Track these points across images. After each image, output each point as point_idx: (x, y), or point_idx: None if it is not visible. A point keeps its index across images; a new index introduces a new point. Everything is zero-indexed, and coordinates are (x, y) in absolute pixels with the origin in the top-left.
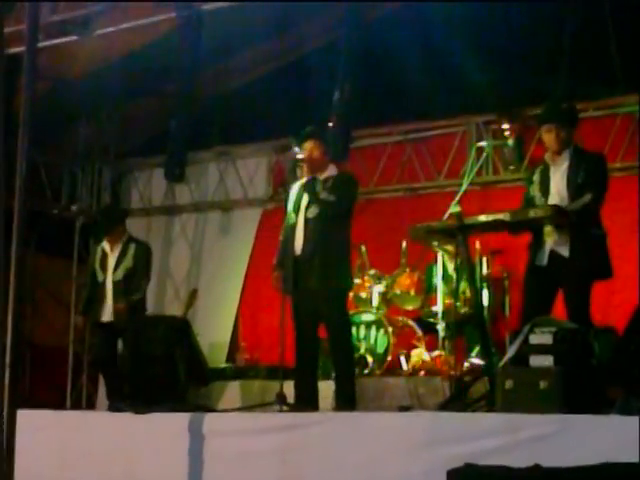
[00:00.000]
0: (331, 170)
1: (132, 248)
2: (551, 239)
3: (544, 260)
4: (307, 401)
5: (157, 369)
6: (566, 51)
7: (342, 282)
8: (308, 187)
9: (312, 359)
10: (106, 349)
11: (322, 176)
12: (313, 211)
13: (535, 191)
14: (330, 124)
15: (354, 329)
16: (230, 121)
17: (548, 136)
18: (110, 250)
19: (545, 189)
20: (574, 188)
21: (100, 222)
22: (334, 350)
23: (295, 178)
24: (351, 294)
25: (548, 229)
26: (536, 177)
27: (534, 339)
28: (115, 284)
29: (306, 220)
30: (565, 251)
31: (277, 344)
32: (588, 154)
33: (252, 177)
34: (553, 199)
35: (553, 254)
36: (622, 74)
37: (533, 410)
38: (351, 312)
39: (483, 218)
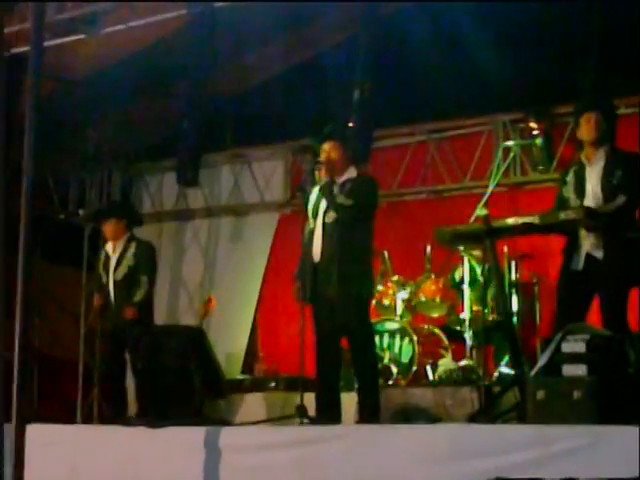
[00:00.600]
0: (350, 172)
1: (133, 247)
2: (588, 242)
3: (580, 264)
4: (329, 414)
5: (172, 381)
6: (595, 46)
7: (363, 290)
8: (325, 191)
9: (334, 370)
10: (112, 362)
11: (341, 179)
12: (331, 216)
13: (570, 192)
14: (350, 124)
15: (377, 338)
16: (245, 122)
17: (587, 126)
18: (112, 250)
19: (580, 190)
20: (609, 189)
21: (100, 212)
22: (356, 361)
23: (314, 181)
24: (374, 302)
25: (584, 232)
26: (570, 177)
27: (567, 347)
28: (116, 284)
29: (324, 225)
30: (601, 255)
31: (297, 354)
32: (625, 153)
33: (268, 180)
34: (588, 201)
35: (589, 258)
36: None
37: (566, 421)
38: (374, 320)
39: (511, 221)
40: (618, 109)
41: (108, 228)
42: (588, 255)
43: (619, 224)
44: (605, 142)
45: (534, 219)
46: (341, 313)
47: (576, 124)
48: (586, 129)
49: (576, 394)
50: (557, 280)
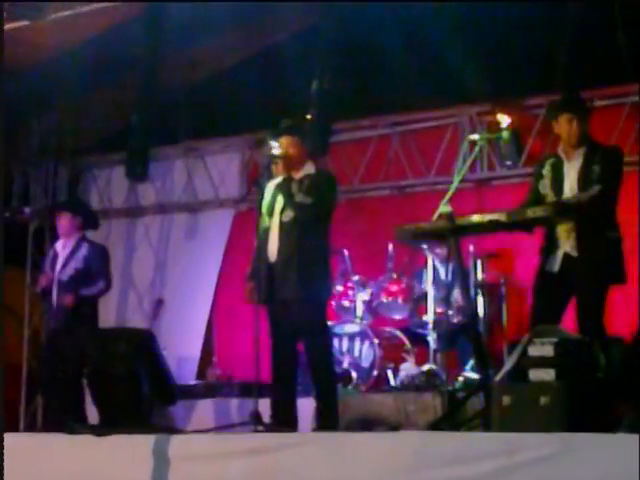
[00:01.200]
0: (308, 168)
1: (84, 249)
2: (565, 241)
3: (556, 265)
4: (285, 421)
5: (118, 387)
6: (567, 36)
7: (321, 292)
8: (282, 188)
9: (290, 375)
10: (57, 366)
11: (298, 175)
12: (288, 214)
13: (547, 188)
14: (308, 117)
15: (336, 341)
16: (199, 114)
17: (567, 127)
18: (62, 248)
19: (559, 187)
20: (587, 185)
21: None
22: (313, 365)
23: (270, 176)
24: (333, 303)
25: (563, 229)
26: (547, 171)
27: (534, 351)
28: (60, 284)
29: (281, 224)
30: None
31: (252, 358)
32: (604, 148)
33: (223, 175)
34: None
35: (567, 258)
36: (630, 59)
37: (533, 429)
38: (333, 323)
39: (477, 218)
40: (590, 101)
41: (62, 223)
42: (566, 255)
43: (595, 218)
44: (584, 142)
45: (500, 216)
46: (298, 316)
47: (554, 118)
48: (564, 130)
49: (543, 400)
50: (533, 281)
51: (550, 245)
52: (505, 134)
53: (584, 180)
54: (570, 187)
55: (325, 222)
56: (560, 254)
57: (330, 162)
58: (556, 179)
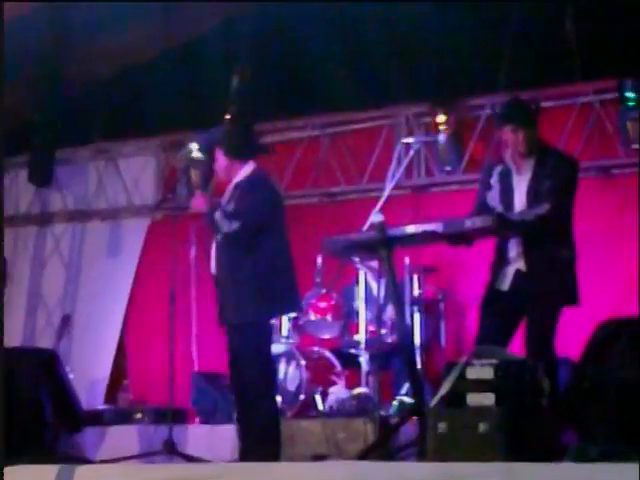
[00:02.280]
0: (246, 170)
1: None
2: (517, 257)
3: (506, 283)
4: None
5: (19, 412)
6: (511, 33)
7: (246, 315)
8: (208, 220)
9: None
10: None
11: (231, 185)
12: (219, 238)
13: (495, 201)
14: (227, 116)
15: None
16: (111, 113)
17: (512, 137)
18: None
19: (509, 200)
20: (537, 200)
21: None
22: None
23: (189, 181)
24: None
25: (516, 245)
26: (495, 181)
27: (472, 373)
28: None
29: (216, 243)
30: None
31: (167, 382)
32: (555, 157)
33: (137, 180)
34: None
35: (519, 275)
36: (580, 57)
37: (471, 457)
38: None
39: (411, 229)
40: (538, 104)
41: None
42: (518, 272)
43: (543, 237)
44: (534, 151)
45: (437, 227)
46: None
47: (498, 127)
48: (512, 140)
49: (482, 427)
50: (481, 298)
51: (500, 260)
52: (440, 137)
53: (534, 195)
54: (520, 201)
55: (263, 236)
56: (511, 271)
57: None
58: (505, 191)
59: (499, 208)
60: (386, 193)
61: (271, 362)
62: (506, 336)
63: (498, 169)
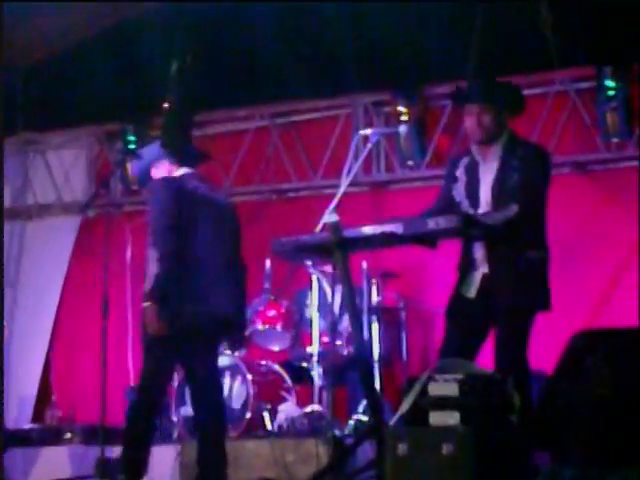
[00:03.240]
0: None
1: None
2: (484, 260)
3: (472, 289)
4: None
5: None
6: (480, 17)
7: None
8: None
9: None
10: None
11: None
12: None
13: (461, 195)
14: (165, 105)
15: None
16: (39, 101)
17: (469, 120)
18: None
19: (475, 194)
20: (503, 196)
21: None
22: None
23: (124, 175)
24: None
25: (482, 248)
26: (461, 173)
27: (435, 389)
28: None
29: None
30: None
31: (99, 398)
32: (526, 150)
33: (67, 174)
34: (482, 210)
35: (486, 280)
36: (555, 42)
37: None
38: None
39: (369, 230)
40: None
41: None
42: (485, 276)
43: (513, 238)
44: (498, 138)
45: (397, 228)
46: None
47: (461, 105)
48: (469, 126)
49: (446, 448)
50: (446, 306)
51: (466, 264)
52: (401, 129)
53: (499, 188)
54: (485, 193)
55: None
56: (478, 276)
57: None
58: (471, 184)
59: (465, 203)
60: (342, 190)
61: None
62: (473, 348)
63: (465, 161)
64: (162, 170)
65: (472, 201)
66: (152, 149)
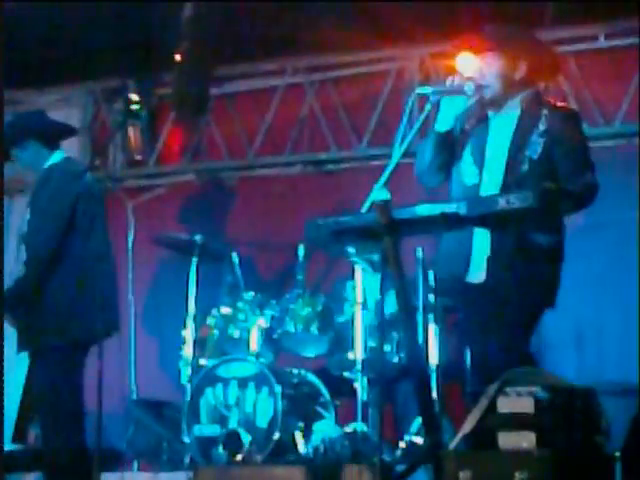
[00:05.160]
0: None
1: None
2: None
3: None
4: None
5: None
6: None
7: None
8: None
9: None
10: None
11: None
12: None
13: (468, 160)
14: (177, 57)
15: (221, 387)
16: (24, 53)
17: (493, 62)
18: None
19: (480, 158)
20: (518, 158)
21: None
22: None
23: (126, 141)
24: (216, 332)
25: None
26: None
27: (505, 405)
28: None
29: None
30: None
31: None
32: (554, 109)
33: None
34: (487, 173)
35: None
36: None
37: None
38: (214, 361)
39: (425, 210)
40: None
41: None
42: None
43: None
44: (517, 92)
45: (460, 207)
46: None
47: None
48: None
49: (519, 477)
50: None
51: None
52: (472, 85)
53: (516, 150)
54: (495, 155)
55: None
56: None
57: (212, 126)
58: (478, 147)
59: (469, 168)
60: (394, 162)
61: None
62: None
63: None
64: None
65: (478, 161)
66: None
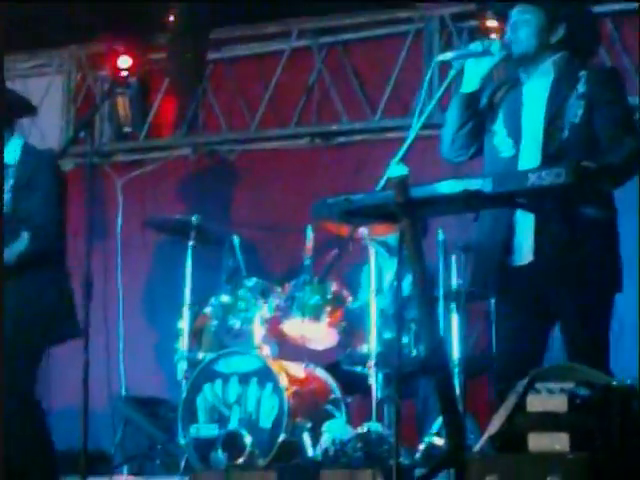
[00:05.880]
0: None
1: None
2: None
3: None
4: None
5: None
6: None
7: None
8: None
9: None
10: None
11: None
12: None
13: (501, 132)
14: (170, 18)
15: (220, 384)
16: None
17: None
18: None
19: (515, 125)
20: (557, 124)
21: None
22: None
23: (115, 111)
24: (214, 322)
25: None
26: (502, 99)
27: (536, 403)
28: None
29: None
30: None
31: None
32: (593, 69)
33: (40, 109)
34: (527, 144)
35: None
36: None
37: None
38: (213, 355)
39: (446, 187)
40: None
41: None
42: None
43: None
44: (549, 53)
45: (485, 184)
46: None
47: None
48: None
49: None
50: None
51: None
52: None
53: (554, 114)
54: (529, 123)
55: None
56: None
57: (210, 95)
58: (511, 115)
59: (507, 144)
60: (412, 135)
61: None
62: (541, 336)
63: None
64: None
65: (512, 136)
66: None
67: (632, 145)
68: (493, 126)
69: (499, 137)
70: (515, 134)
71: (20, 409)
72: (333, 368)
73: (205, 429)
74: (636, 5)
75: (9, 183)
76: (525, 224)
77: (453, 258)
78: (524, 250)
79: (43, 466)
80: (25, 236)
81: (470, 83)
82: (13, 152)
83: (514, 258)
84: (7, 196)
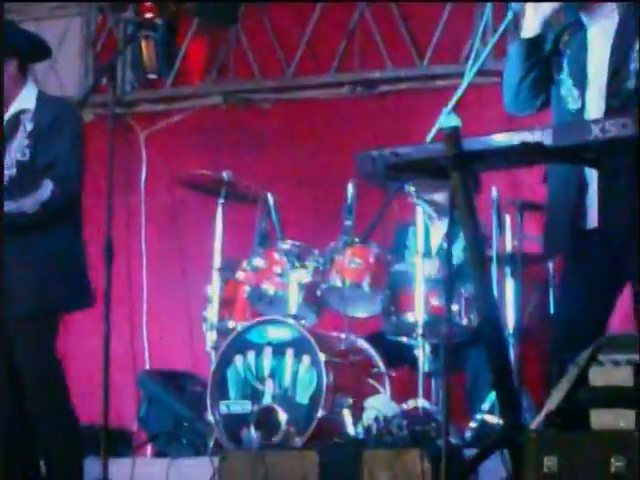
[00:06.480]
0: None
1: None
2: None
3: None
4: None
5: None
6: None
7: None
8: None
9: None
10: None
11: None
12: None
13: (567, 82)
14: None
15: (253, 355)
16: None
17: None
18: None
19: (581, 75)
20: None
21: None
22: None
23: (138, 57)
24: (247, 288)
25: None
26: (566, 46)
27: (599, 377)
28: None
29: None
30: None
31: None
32: None
33: (55, 56)
34: (594, 93)
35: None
36: None
37: None
38: (246, 323)
39: (502, 140)
40: None
41: None
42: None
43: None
44: None
45: (545, 136)
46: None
47: None
48: None
49: (617, 463)
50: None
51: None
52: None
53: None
54: (596, 72)
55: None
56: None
57: (243, 38)
58: (577, 62)
59: (570, 89)
60: (464, 84)
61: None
62: (605, 305)
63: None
64: None
65: (579, 87)
66: None
67: None
68: (559, 75)
69: (565, 87)
70: (581, 84)
71: (44, 376)
72: (376, 339)
73: (236, 405)
74: None
75: (27, 128)
76: (594, 184)
77: (507, 218)
78: (593, 212)
79: (67, 442)
80: (49, 185)
81: (531, 27)
82: (27, 99)
83: (585, 221)
84: (24, 142)
